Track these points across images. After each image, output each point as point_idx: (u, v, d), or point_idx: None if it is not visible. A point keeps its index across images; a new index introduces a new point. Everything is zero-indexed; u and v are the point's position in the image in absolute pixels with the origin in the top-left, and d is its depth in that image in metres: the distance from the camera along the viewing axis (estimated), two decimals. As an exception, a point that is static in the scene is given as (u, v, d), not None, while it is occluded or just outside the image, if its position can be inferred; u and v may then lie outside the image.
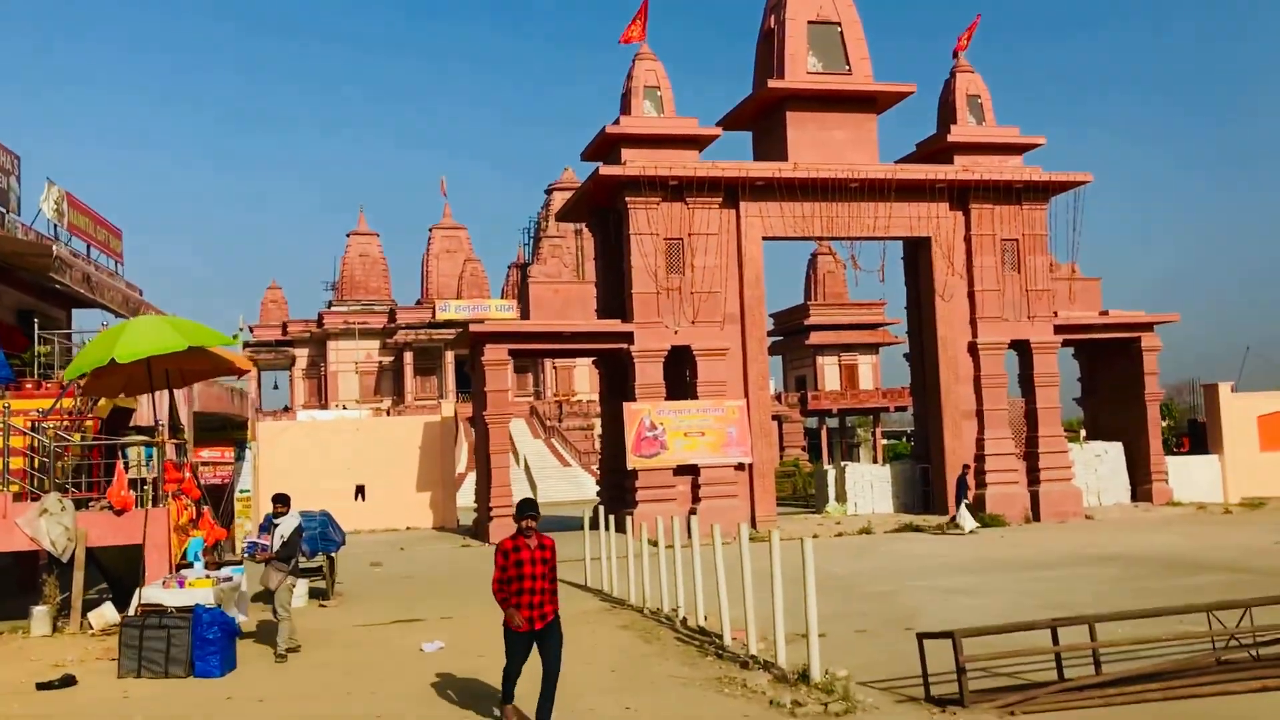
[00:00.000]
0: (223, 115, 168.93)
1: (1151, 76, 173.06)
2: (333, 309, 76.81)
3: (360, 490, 30.51)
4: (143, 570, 13.17)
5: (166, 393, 15.13)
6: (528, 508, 8.14)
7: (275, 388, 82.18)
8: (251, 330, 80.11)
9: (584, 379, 72.37)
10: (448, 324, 67.99)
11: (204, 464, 27.46)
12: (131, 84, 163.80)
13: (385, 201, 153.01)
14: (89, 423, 14.98)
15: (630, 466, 25.65)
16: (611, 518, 29.35)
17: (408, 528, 30.26)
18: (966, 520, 25.25)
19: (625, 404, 26.04)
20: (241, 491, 24.25)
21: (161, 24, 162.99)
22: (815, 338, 70.03)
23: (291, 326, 78.69)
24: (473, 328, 25.49)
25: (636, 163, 25.86)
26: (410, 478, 30.69)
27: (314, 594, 15.56)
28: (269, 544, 11.50)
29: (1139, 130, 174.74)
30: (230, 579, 11.85)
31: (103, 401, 17.06)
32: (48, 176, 23.38)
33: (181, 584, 11.25)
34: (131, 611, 10.88)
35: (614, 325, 26.41)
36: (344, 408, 66.08)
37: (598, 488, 30.33)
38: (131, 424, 16.70)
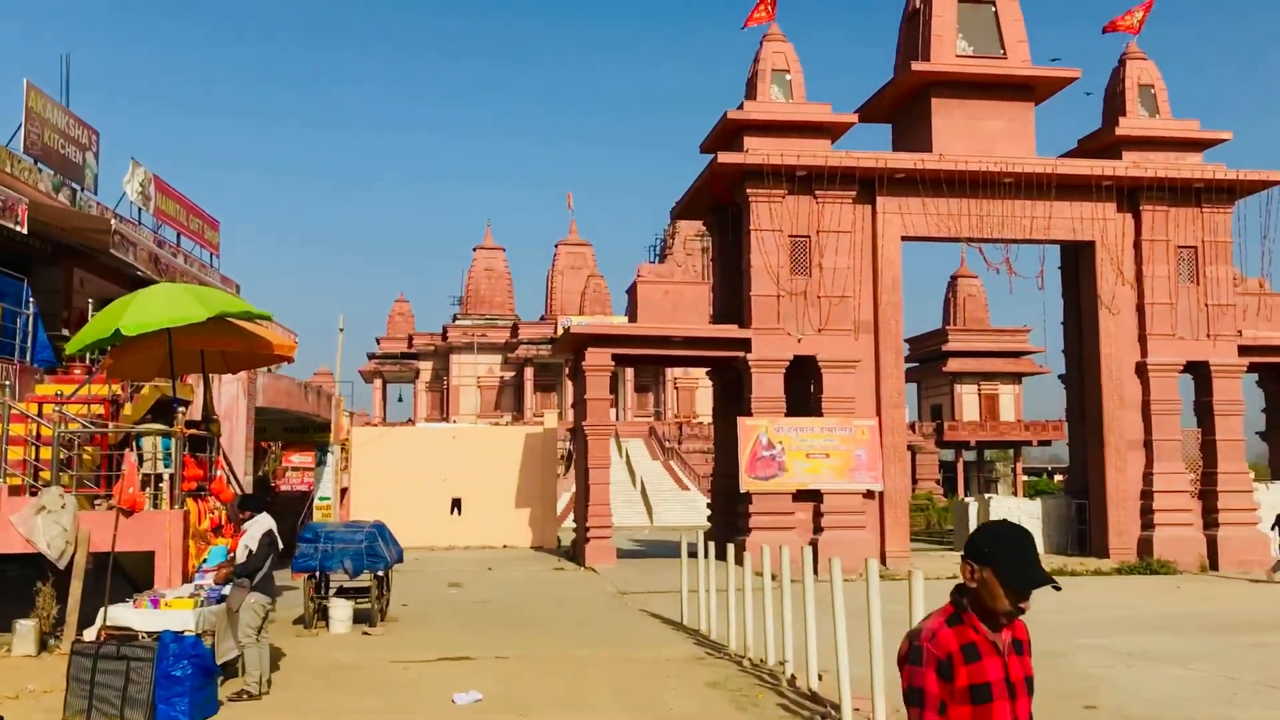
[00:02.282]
0: (360, 128, 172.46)
1: None
2: (457, 323, 76.30)
3: (456, 504, 28.56)
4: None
5: (218, 380, 13.18)
6: None
7: (400, 400, 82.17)
8: (378, 341, 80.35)
9: (706, 400, 69.57)
10: (569, 339, 66.41)
11: (294, 469, 25.86)
12: (268, 104, 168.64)
13: (513, 217, 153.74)
14: (98, 408, 13.07)
15: (743, 489, 22.96)
16: (720, 546, 26.80)
17: (505, 545, 28.16)
18: None
19: (740, 419, 23.38)
20: (321, 499, 22.47)
21: (307, 48, 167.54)
22: (953, 365, 66.02)
23: (417, 339, 78.55)
24: (573, 329, 23.21)
25: (760, 150, 23.26)
26: (509, 492, 28.60)
27: (360, 617, 13.36)
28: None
29: None
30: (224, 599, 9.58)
31: (147, 389, 15.25)
32: (132, 156, 22.10)
33: (156, 603, 9.06)
34: (92, 635, 8.75)
35: (730, 330, 23.80)
36: (454, 421, 65.02)
37: (708, 511, 27.66)
38: (187, 416, 14.86)
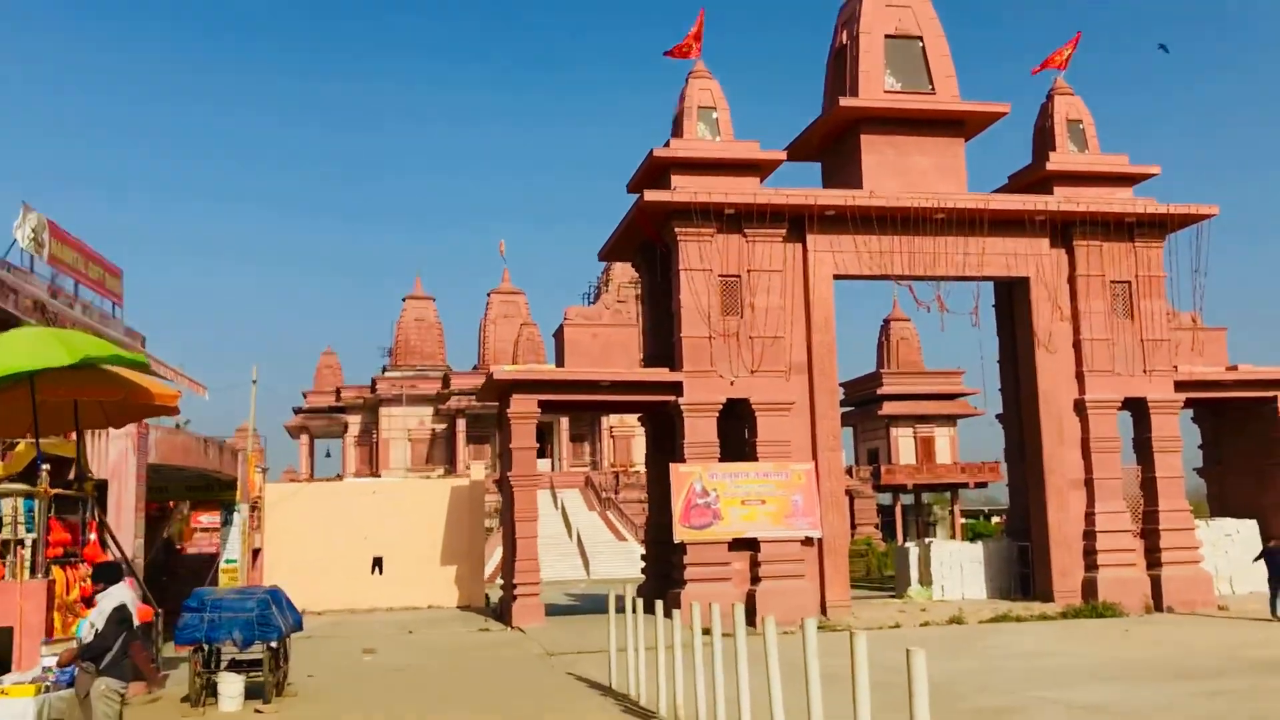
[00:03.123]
0: (291, 172, 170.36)
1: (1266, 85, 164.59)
2: (386, 374, 74.66)
3: (378, 563, 27.16)
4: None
5: (103, 435, 11.96)
6: None
7: (327, 455, 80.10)
8: (305, 395, 78.35)
9: (643, 448, 68.81)
10: (501, 389, 65.17)
11: (203, 530, 24.40)
12: (179, 139, 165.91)
13: (444, 266, 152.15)
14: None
15: (677, 539, 21.96)
16: (655, 598, 25.71)
17: (430, 606, 26.80)
18: None
19: (672, 466, 22.44)
20: (227, 561, 21.03)
21: (219, 81, 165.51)
22: (889, 408, 65.90)
23: (345, 392, 76.71)
24: (496, 374, 22.16)
25: (688, 189, 22.56)
26: (434, 550, 27.29)
27: (254, 692, 12.09)
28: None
29: (1261, 159, 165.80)
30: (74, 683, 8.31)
31: (22, 445, 13.95)
32: (24, 201, 20.72)
33: (-13, 691, 7.82)
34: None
35: (660, 374, 22.92)
36: (382, 476, 63.36)
37: (643, 564, 26.59)
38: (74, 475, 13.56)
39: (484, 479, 27.79)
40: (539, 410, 22.29)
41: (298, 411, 78.22)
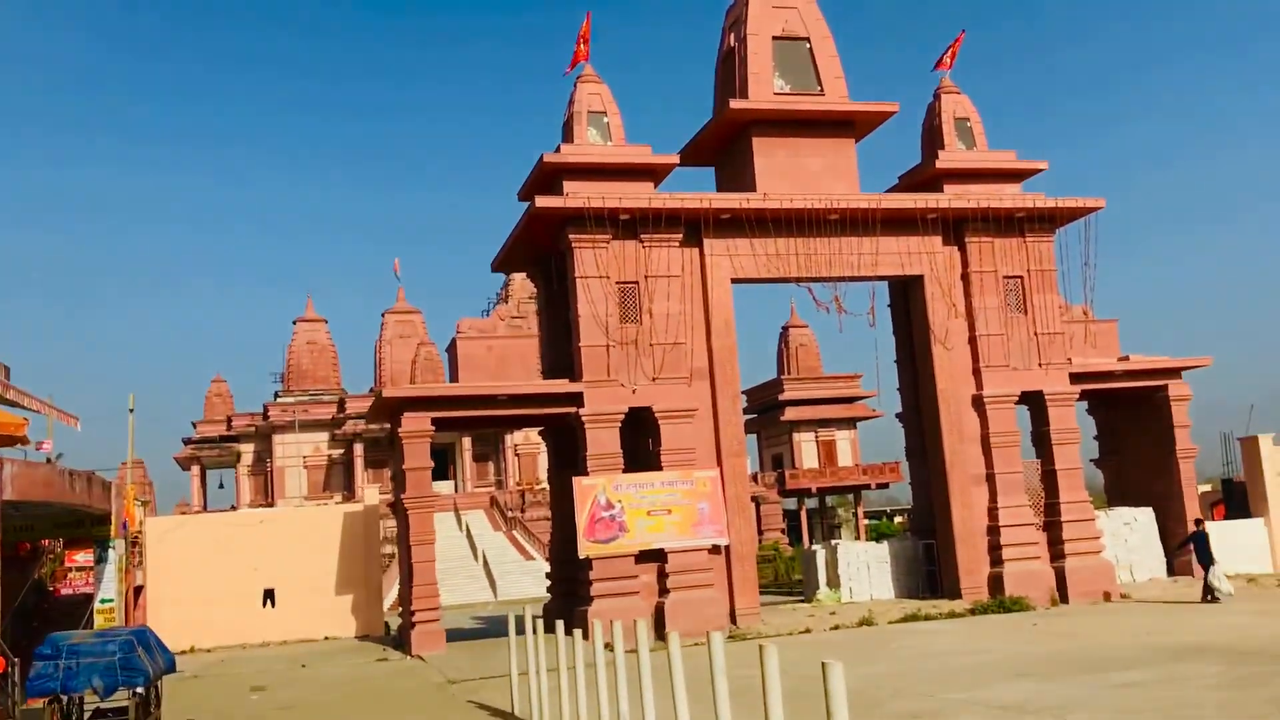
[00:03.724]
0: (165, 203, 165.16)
1: (1151, 90, 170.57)
2: (279, 400, 72.51)
3: (269, 595, 25.90)
4: None
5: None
6: None
7: (220, 487, 77.41)
8: (195, 425, 75.72)
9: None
10: (398, 411, 63.62)
11: (78, 569, 22.98)
12: (40, 154, 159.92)
13: (336, 287, 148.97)
14: None
15: (582, 554, 21.32)
16: (561, 617, 24.97)
17: (326, 637, 25.63)
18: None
19: (575, 479, 21.80)
20: (103, 601, 19.73)
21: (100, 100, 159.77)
22: (790, 413, 66.26)
23: (236, 421, 74.22)
24: (386, 393, 21.25)
25: (580, 194, 22.01)
26: (328, 579, 26.13)
27: (122, 744, 11.10)
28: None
29: (1140, 153, 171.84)
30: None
31: None
32: None
33: None
34: None
35: (560, 385, 22.27)
36: (277, 506, 61.46)
37: (548, 581, 25.86)
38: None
39: (379, 503, 26.74)
40: (433, 429, 21.45)
41: (187, 442, 75.52)
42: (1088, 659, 14.31)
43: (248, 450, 74.06)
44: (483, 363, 22.70)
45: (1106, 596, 23.37)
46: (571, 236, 22.03)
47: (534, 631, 12.09)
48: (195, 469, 75.52)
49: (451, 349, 23.11)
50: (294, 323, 76.16)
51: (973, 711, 10.87)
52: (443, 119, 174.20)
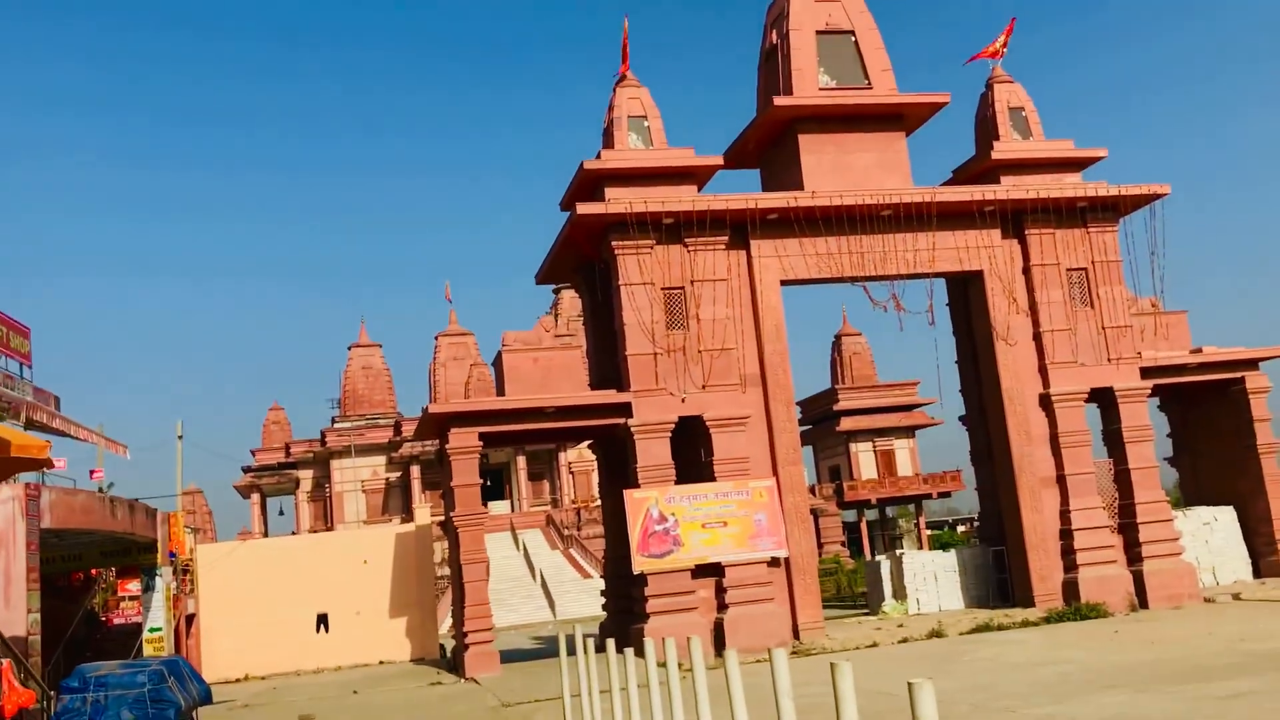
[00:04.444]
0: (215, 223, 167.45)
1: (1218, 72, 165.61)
2: (335, 426, 72.73)
3: (322, 620, 25.51)
4: None
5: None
6: None
7: (281, 513, 77.78)
8: (253, 453, 76.27)
9: (603, 482, 67.50)
10: (452, 432, 63.52)
11: (130, 598, 22.70)
12: (112, 193, 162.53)
13: (389, 312, 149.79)
14: None
15: (636, 570, 20.63)
16: (617, 635, 24.20)
17: (381, 662, 25.19)
18: None
19: (626, 492, 21.14)
20: (151, 630, 19.38)
21: (150, 133, 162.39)
22: (846, 423, 65.04)
23: (294, 448, 74.61)
24: (432, 408, 20.76)
25: (622, 200, 21.42)
26: (382, 602, 25.69)
27: (157, 780, 10.56)
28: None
29: (1205, 128, 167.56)
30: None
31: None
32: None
33: None
34: None
35: (607, 396, 21.65)
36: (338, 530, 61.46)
37: (603, 599, 25.18)
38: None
39: (431, 523, 26.27)
40: (480, 444, 20.91)
41: (247, 470, 76.06)
42: (1181, 668, 13.32)
43: (306, 476, 74.43)
44: (528, 376, 22.14)
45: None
46: (614, 243, 21.44)
47: (584, 651, 11.40)
48: (255, 497, 76.03)
49: (497, 363, 22.59)
50: (349, 349, 76.53)
51: (1060, 728, 10.01)
52: (495, 133, 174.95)
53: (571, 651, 12.38)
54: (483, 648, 20.33)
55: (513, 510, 70.56)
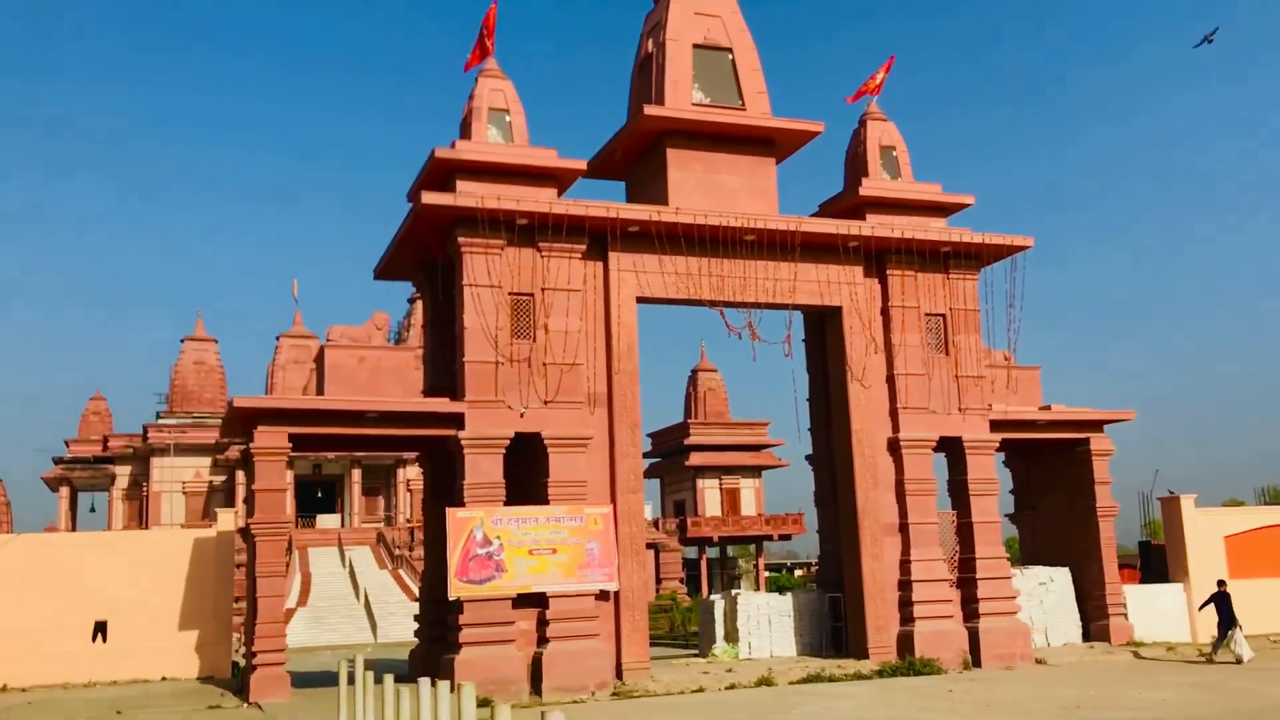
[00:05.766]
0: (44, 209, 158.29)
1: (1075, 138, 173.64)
2: (160, 422, 68.47)
3: (100, 629, 22.89)
4: None
5: None
6: None
7: (92, 510, 72.91)
8: (68, 444, 71.27)
9: (440, 502, 65.17)
10: (286, 437, 60.39)
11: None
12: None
13: (231, 307, 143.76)
14: None
15: (452, 595, 18.93)
16: (426, 664, 22.19)
17: (164, 678, 22.70)
18: (1244, 646, 21.27)
19: (450, 510, 19.47)
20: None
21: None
22: (696, 459, 64.56)
23: (113, 441, 70.06)
24: (237, 401, 18.70)
25: (474, 194, 19.88)
26: (172, 612, 23.22)
27: None
28: None
29: (1068, 191, 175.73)
30: None
31: None
32: None
33: None
34: None
35: (438, 404, 19.98)
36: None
37: (415, 625, 23.34)
38: None
39: (234, 530, 23.97)
40: (289, 445, 18.94)
41: (58, 461, 70.99)
42: (1018, 736, 12.44)
43: (124, 473, 70.00)
44: (353, 376, 20.30)
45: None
46: (461, 240, 19.87)
47: (352, 683, 9.77)
48: (65, 490, 71.04)
49: (319, 359, 20.67)
50: (182, 341, 72.42)
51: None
52: (360, 123, 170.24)
53: (352, 681, 10.71)
54: (271, 670, 18.30)
55: (343, 525, 67.61)
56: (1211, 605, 22.38)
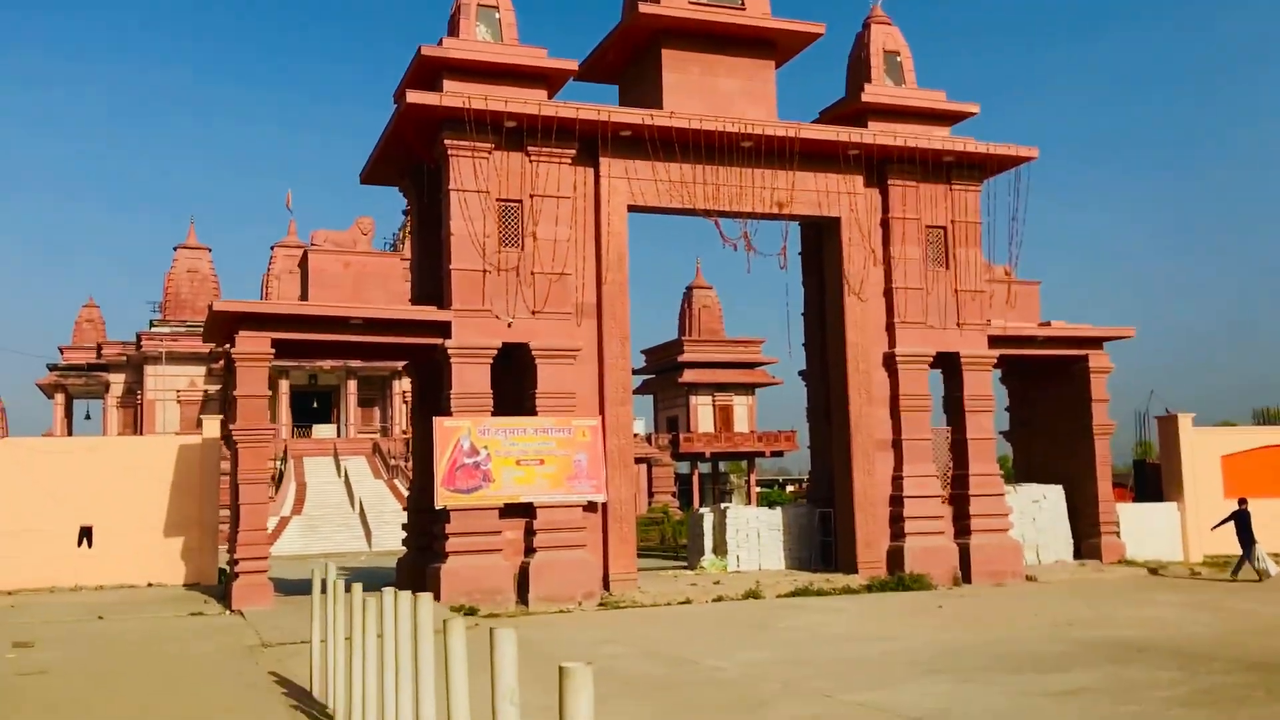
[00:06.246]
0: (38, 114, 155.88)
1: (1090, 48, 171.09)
2: (154, 330, 68.01)
3: (86, 534, 22.72)
4: None
5: None
6: None
7: (88, 417, 72.78)
8: (62, 351, 70.93)
9: (434, 413, 65.10)
10: (281, 346, 60.11)
11: None
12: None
13: (224, 216, 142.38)
14: None
15: (439, 504, 18.69)
16: (415, 573, 22.08)
17: (150, 584, 22.61)
18: (1268, 562, 21.26)
19: (436, 420, 19.12)
20: None
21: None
22: (689, 376, 64.32)
23: (107, 349, 69.66)
24: (217, 305, 18.21)
25: (461, 93, 19.15)
26: (158, 518, 23.03)
27: None
28: None
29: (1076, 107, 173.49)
30: None
31: None
32: None
33: None
34: None
35: (425, 312, 19.51)
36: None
37: (404, 533, 23.18)
38: None
39: (219, 437, 23.65)
40: (272, 352, 18.48)
41: (52, 369, 70.71)
42: (1009, 654, 12.22)
43: (118, 380, 69.78)
44: (338, 281, 19.79)
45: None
46: (448, 142, 19.20)
47: (333, 593, 9.48)
48: (60, 397, 70.92)
49: (303, 263, 20.14)
50: (175, 249, 71.68)
51: (878, 721, 8.59)
52: (352, 32, 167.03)
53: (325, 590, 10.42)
54: (254, 578, 18.11)
55: (339, 435, 67.75)
56: (1231, 523, 21.99)
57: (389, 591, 6.89)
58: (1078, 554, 24.28)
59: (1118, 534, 24.08)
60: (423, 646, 5.76)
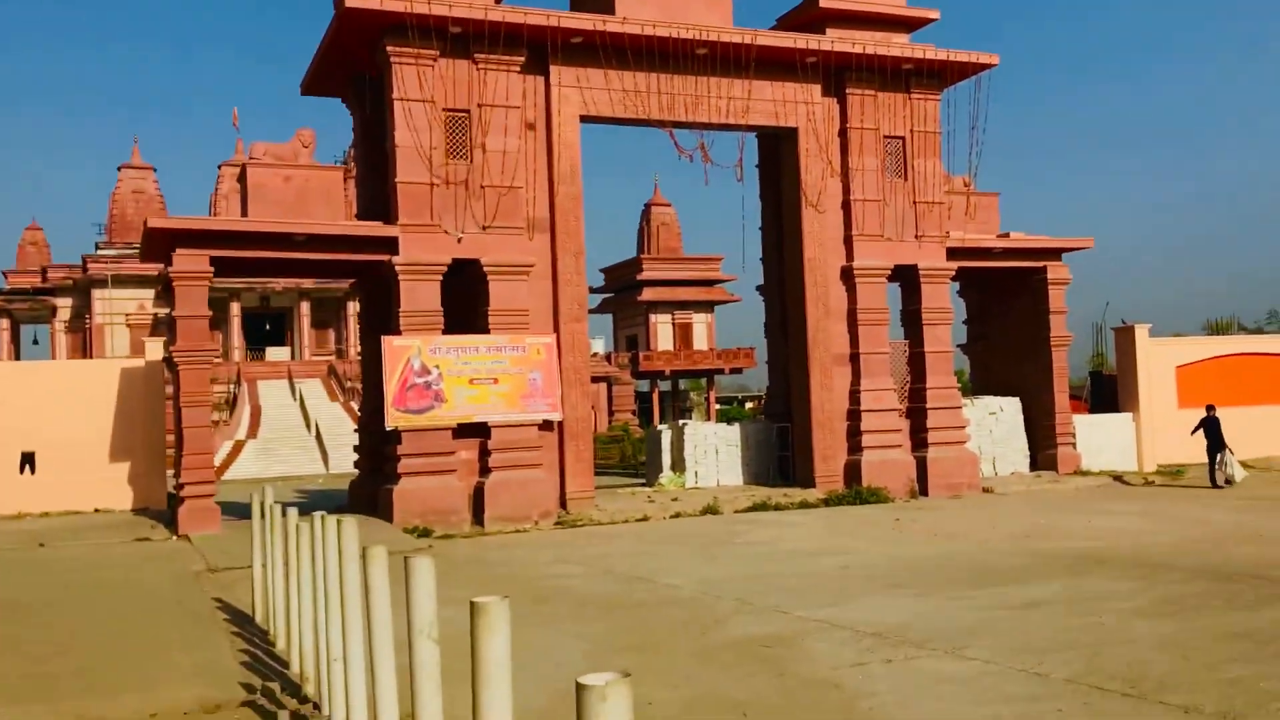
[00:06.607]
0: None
1: None
2: (100, 253, 66.38)
3: (28, 460, 22.13)
4: None
5: None
6: None
7: (35, 343, 71.32)
8: (6, 275, 69.18)
9: (390, 335, 64.31)
10: (228, 268, 58.86)
11: None
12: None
13: (170, 134, 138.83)
14: None
15: (390, 425, 18.28)
16: (366, 496, 21.73)
17: (97, 510, 22.12)
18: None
19: (385, 339, 18.62)
20: None
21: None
22: (648, 294, 63.95)
23: (52, 273, 67.97)
24: (152, 222, 17.45)
25: (403, -1, 18.30)
26: (102, 443, 22.46)
27: None
28: None
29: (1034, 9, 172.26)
30: None
31: None
32: None
33: None
34: None
35: (370, 228, 18.88)
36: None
37: (355, 455, 22.80)
38: None
39: (161, 357, 23.01)
40: (211, 270, 17.82)
41: (-3, 293, 69.04)
42: (968, 566, 12.11)
43: (65, 305, 68.24)
44: (279, 196, 19.05)
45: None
46: (390, 49, 18.40)
47: (269, 517, 9.09)
48: (5, 322, 69.33)
49: (242, 178, 19.36)
50: (119, 169, 69.62)
51: (836, 641, 8.39)
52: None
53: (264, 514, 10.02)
54: (200, 503, 17.67)
55: (293, 358, 66.85)
56: (1201, 430, 22.21)
57: (318, 516, 6.52)
58: (1034, 465, 24.37)
59: (1074, 445, 24.18)
60: (350, 573, 5.40)
